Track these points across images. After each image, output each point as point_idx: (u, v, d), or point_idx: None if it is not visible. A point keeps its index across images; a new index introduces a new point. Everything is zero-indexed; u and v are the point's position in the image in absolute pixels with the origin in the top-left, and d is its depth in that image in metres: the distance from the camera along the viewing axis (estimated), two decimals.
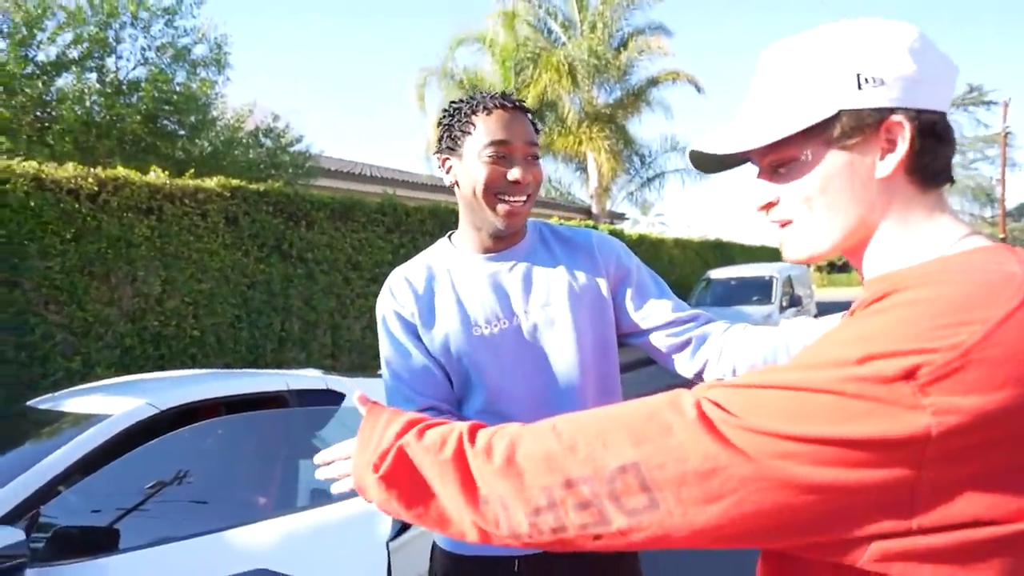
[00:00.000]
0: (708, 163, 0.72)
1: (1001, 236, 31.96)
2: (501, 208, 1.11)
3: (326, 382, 2.60)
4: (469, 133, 1.11)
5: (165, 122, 6.92)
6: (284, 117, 8.56)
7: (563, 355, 1.15)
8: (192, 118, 7.00)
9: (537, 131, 1.18)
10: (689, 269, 13.94)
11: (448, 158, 1.16)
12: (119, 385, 2.55)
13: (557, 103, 12.74)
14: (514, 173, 1.09)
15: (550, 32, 13.55)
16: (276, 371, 2.83)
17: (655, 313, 1.19)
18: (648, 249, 12.60)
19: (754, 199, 0.69)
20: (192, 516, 1.83)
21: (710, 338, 1.15)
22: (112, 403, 2.04)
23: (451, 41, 12.80)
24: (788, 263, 10.70)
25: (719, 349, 1.13)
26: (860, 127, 0.60)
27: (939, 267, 0.55)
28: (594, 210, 14.53)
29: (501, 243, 1.17)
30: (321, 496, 2.06)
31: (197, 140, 7.24)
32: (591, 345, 1.17)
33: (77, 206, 4.42)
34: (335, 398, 2.53)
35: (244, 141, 7.80)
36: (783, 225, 0.67)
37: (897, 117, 0.59)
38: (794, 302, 9.89)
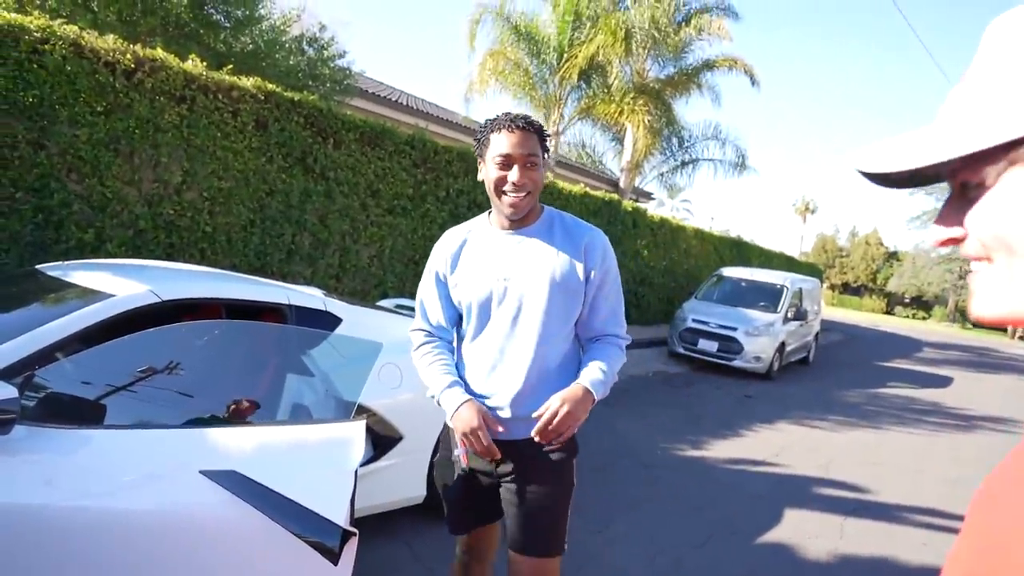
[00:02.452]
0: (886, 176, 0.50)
1: None
2: (505, 200, 1.50)
3: (325, 303, 2.64)
4: (487, 145, 1.51)
5: (211, 11, 6.78)
6: (331, 28, 8.39)
7: (530, 318, 1.51)
8: (239, 12, 6.86)
9: (545, 149, 1.54)
10: (703, 261, 13.82)
11: (480, 160, 1.57)
12: (127, 267, 2.60)
13: (606, 67, 12.37)
14: (512, 175, 1.48)
15: None
16: (279, 283, 2.87)
17: (593, 319, 1.59)
18: (667, 234, 12.45)
19: (934, 231, 0.51)
20: (176, 407, 1.89)
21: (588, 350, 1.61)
22: (117, 284, 2.09)
23: None
24: (801, 276, 10.33)
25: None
26: None
27: None
28: (622, 184, 14.30)
29: (514, 223, 1.56)
30: (301, 413, 2.13)
31: (240, 36, 7.11)
32: (556, 317, 1.52)
33: (112, 80, 4.39)
34: (331, 321, 2.58)
35: (287, 46, 7.66)
36: (975, 264, 0.49)
37: None
38: (799, 315, 9.85)
